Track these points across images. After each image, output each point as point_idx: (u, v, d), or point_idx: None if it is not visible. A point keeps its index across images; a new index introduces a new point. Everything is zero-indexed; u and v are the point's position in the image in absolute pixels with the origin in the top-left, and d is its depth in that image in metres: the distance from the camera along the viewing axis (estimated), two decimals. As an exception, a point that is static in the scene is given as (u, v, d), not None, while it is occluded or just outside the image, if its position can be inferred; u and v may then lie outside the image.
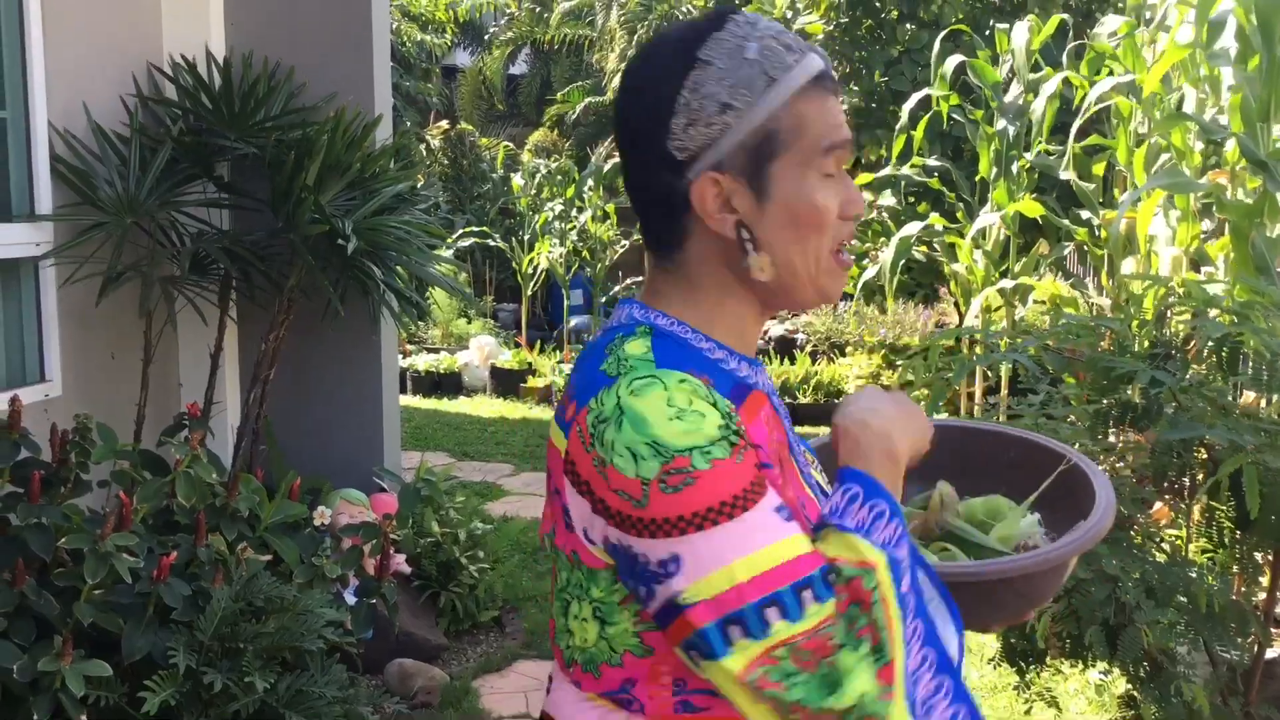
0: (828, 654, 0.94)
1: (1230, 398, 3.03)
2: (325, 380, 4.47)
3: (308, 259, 3.63)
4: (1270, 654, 3.39)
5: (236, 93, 3.94)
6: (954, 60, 5.43)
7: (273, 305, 4.05)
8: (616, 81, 12.83)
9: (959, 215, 5.78)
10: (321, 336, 4.37)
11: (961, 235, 5.40)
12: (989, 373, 5.28)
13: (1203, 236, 4.39)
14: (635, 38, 12.47)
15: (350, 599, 3.46)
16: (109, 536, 2.61)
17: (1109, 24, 5.16)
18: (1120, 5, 6.75)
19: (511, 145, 11.84)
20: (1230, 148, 3.75)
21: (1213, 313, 2.65)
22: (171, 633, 2.69)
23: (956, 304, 5.77)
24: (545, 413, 8.25)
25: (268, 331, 4.02)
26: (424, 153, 12.26)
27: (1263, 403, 3.28)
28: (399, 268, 4.16)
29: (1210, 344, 2.51)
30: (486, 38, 15.88)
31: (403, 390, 8.53)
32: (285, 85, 4.17)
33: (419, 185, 4.40)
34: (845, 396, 1.23)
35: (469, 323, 9.99)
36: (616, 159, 13.51)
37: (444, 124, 13.54)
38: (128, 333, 3.81)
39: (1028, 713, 3.03)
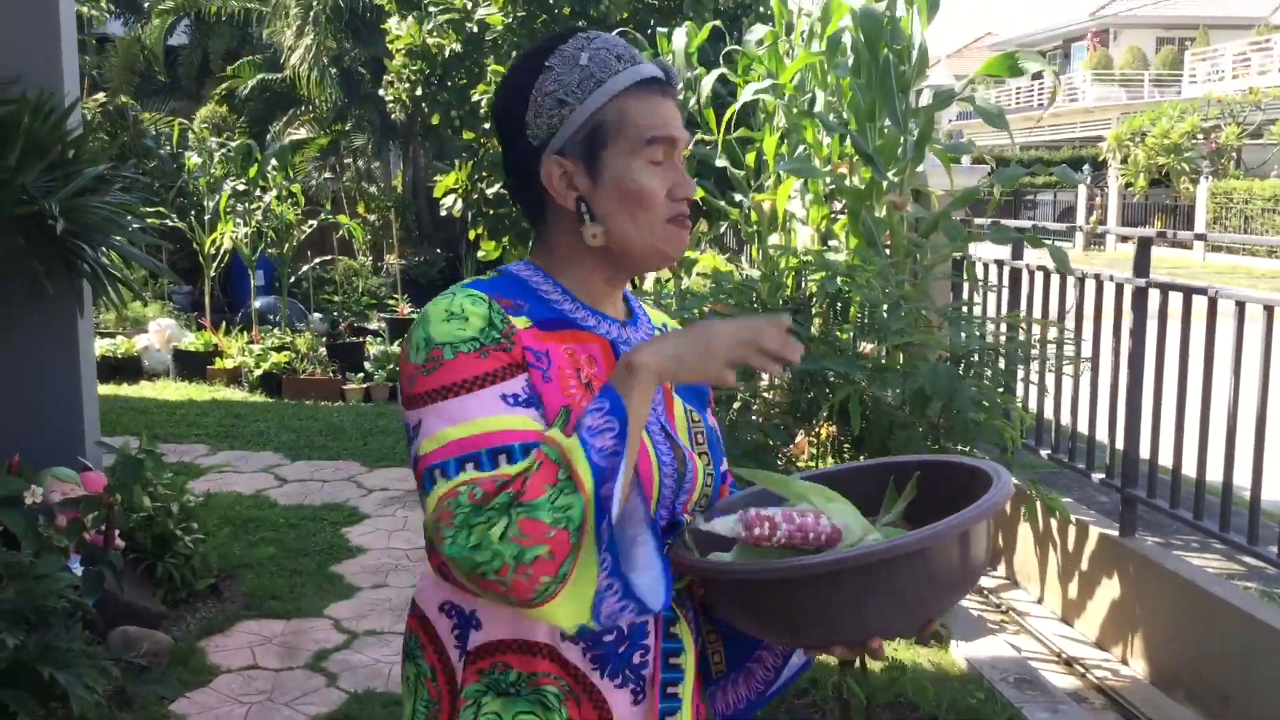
0: (491, 501, 1.13)
1: (855, 349, 3.76)
2: (23, 364, 4.43)
3: (18, 240, 3.67)
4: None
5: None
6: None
7: (-33, 288, 4.02)
8: (295, 58, 12.67)
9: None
10: (17, 320, 4.34)
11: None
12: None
13: (832, 217, 5.20)
14: (311, 13, 12.37)
15: (76, 569, 3.57)
16: None
17: (756, 32, 5.90)
18: (766, 13, 7.58)
19: (186, 122, 11.46)
20: (847, 142, 4.52)
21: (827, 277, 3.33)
22: (-92, 603, 2.77)
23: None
24: (235, 394, 8.23)
25: (-36, 314, 4.00)
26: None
27: (882, 351, 4.05)
28: (107, 249, 4.23)
29: (827, 299, 3.18)
30: (146, 6, 15.11)
31: (78, 376, 8.20)
32: (-33, 66, 4.12)
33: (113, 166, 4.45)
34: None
35: (145, 305, 9.69)
36: (296, 136, 13.27)
37: (100, 96, 12.85)
38: None
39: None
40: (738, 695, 1.48)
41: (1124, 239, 19.03)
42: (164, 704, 3.47)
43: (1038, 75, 43.27)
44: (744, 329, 1.24)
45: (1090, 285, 4.51)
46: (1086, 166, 30.59)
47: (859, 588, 1.17)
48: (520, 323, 1.28)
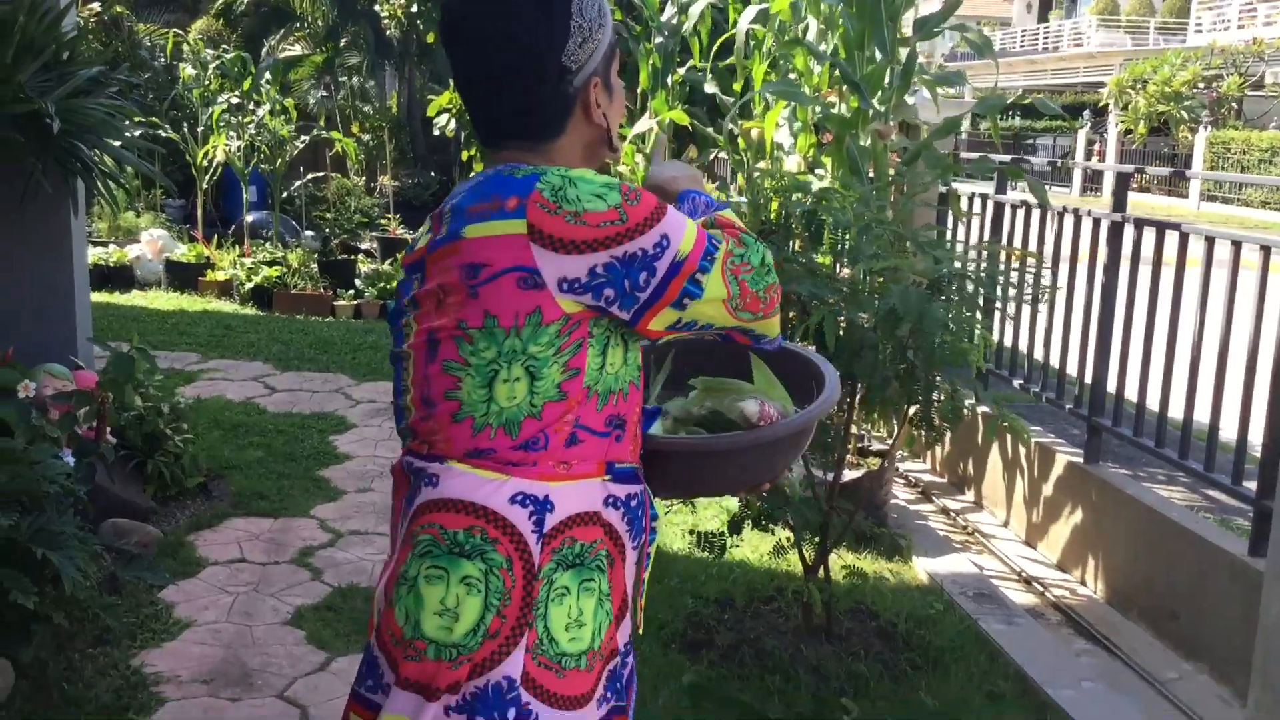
0: (742, 241, 1.48)
1: (835, 272, 3.84)
2: (17, 262, 4.50)
3: (17, 138, 3.72)
4: (847, 474, 4.32)
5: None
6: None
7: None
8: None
9: (623, 122, 6.45)
10: (13, 220, 4.40)
11: (624, 139, 6.07)
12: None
13: (819, 145, 5.25)
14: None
15: (69, 460, 3.67)
16: None
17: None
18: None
19: (181, 33, 11.37)
20: (837, 71, 4.57)
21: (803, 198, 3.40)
22: (-94, 482, 2.87)
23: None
24: (226, 305, 8.30)
25: (-40, 210, 4.05)
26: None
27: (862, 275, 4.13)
28: (99, 151, 4.27)
29: (803, 222, 3.26)
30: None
31: (70, 284, 8.25)
32: (-37, -38, 4.13)
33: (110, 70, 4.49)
34: (652, 170, 1.72)
35: (137, 216, 9.72)
36: (290, 53, 13.17)
37: (95, 6, 12.72)
38: None
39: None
40: None
41: (1128, 178, 19.03)
42: (153, 591, 3.61)
43: (1044, 18, 42.86)
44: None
45: (1069, 221, 4.59)
46: (1087, 112, 30.45)
47: (787, 446, 1.64)
48: None
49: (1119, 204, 4.30)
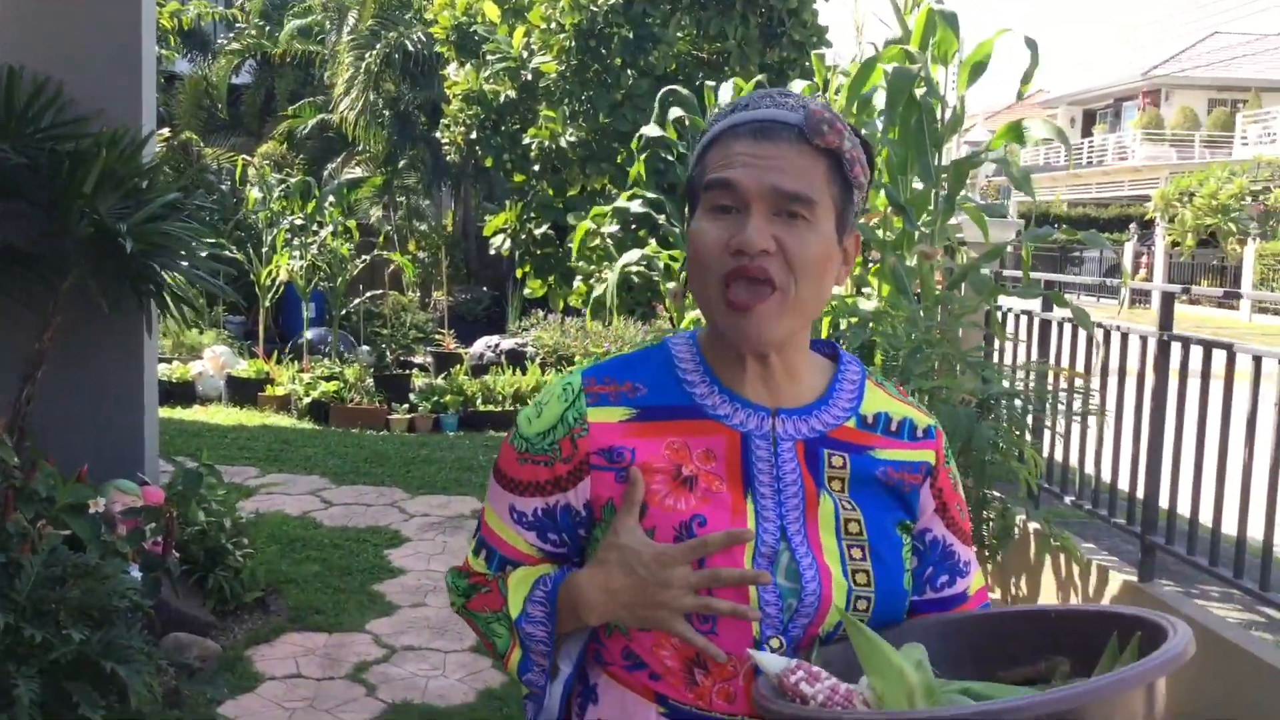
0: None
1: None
2: (93, 382, 4.69)
3: (81, 260, 3.92)
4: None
5: (7, 105, 4.18)
6: (675, 111, 6.27)
7: (44, 306, 4.28)
8: (344, 105, 13.07)
9: (671, 240, 6.63)
10: (91, 341, 4.60)
11: (674, 259, 6.24)
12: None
13: (866, 264, 5.37)
14: (364, 63, 12.78)
15: (135, 575, 3.78)
16: (-70, 508, 2.91)
17: (796, 87, 6.10)
18: (809, 67, 7.80)
19: (249, 158, 11.87)
20: (881, 196, 4.71)
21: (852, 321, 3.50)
22: (-15, 596, 2.98)
23: (671, 319, 6.57)
24: (284, 420, 8.49)
25: (42, 331, 4.25)
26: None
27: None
28: (170, 273, 4.49)
29: (852, 342, 3.35)
30: (214, 48, 15.68)
31: (135, 399, 8.50)
32: (55, 100, 4.41)
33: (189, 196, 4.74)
34: (610, 544, 1.20)
35: (200, 332, 10.02)
36: (351, 175, 13.65)
37: (165, 132, 13.33)
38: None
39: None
40: None
41: (1173, 297, 18.94)
42: (213, 705, 3.66)
43: (1087, 133, 43.35)
44: (703, 576, 1.15)
45: (1116, 339, 4.63)
46: (1133, 225, 30.54)
47: None
48: (613, 415, 1.23)
49: (1165, 322, 4.34)
